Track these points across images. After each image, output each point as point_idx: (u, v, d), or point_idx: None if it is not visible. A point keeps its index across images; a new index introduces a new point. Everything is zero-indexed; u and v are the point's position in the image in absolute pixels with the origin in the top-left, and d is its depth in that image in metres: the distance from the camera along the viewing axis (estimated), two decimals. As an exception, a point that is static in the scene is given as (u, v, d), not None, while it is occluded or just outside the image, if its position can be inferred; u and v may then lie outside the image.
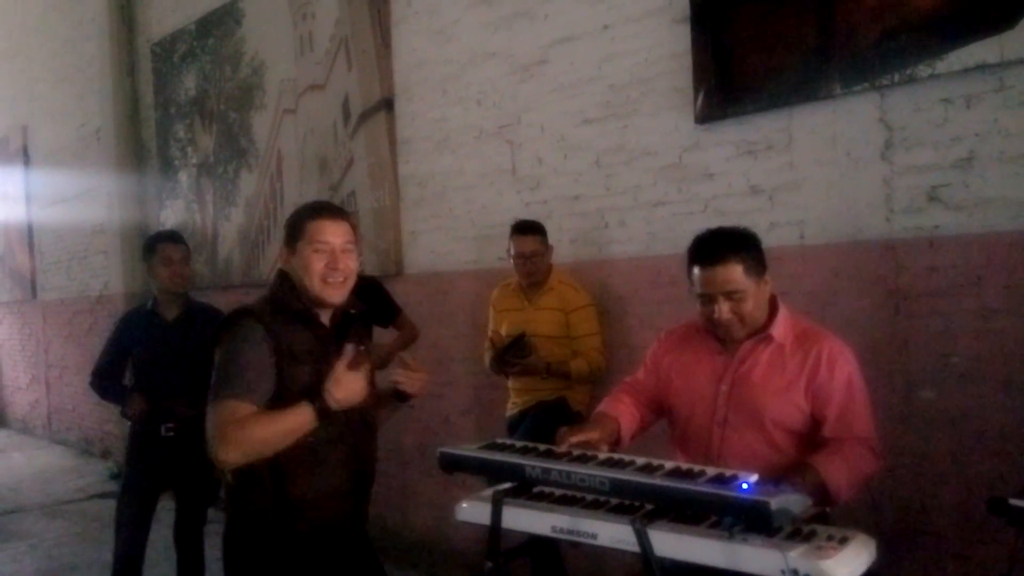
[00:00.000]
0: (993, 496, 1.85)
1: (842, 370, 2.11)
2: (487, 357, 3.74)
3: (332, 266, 2.12)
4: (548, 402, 3.58)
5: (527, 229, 3.59)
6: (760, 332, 2.18)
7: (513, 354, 3.47)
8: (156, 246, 3.67)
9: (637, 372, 2.47)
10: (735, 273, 2.10)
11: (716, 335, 2.23)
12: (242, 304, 2.19)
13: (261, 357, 2.04)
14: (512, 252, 3.60)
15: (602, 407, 2.36)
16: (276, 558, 2.12)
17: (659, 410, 2.40)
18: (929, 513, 2.81)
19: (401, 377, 2.25)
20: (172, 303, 3.67)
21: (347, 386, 2.02)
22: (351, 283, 2.19)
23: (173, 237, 3.81)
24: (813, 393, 2.11)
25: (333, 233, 2.14)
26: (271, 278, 2.32)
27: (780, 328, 2.17)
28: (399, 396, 2.32)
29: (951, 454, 2.75)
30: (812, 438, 2.14)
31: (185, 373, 3.44)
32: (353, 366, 2.03)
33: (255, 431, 1.95)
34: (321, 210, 2.20)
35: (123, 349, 3.73)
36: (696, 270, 2.15)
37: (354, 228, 2.25)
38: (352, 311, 2.27)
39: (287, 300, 2.16)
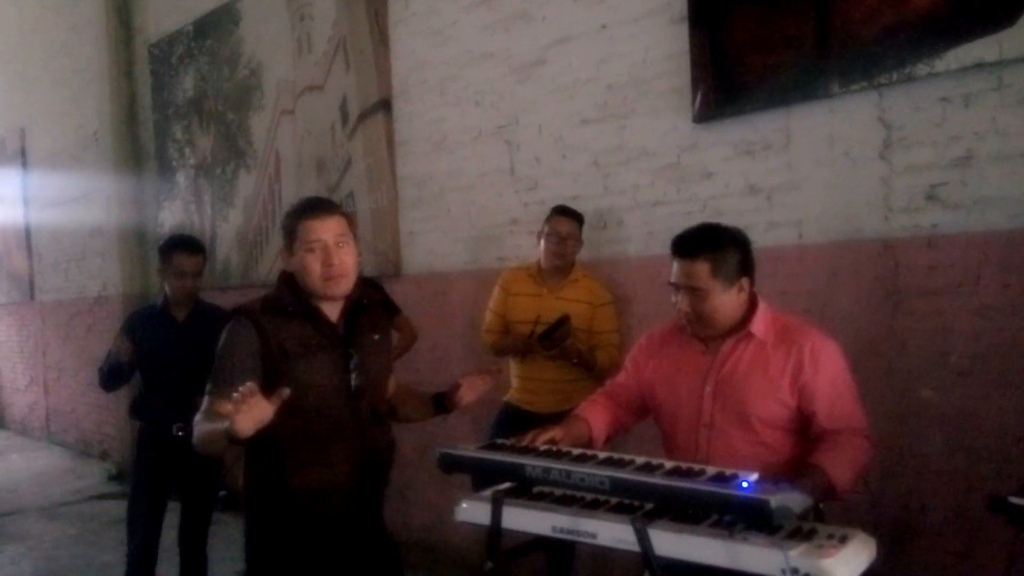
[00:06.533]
0: (993, 494, 1.86)
1: (826, 368, 2.11)
2: (488, 339, 3.71)
3: (328, 262, 2.14)
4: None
5: (569, 212, 3.59)
6: (740, 330, 2.19)
7: (558, 335, 3.38)
8: (171, 256, 3.56)
9: (618, 376, 2.49)
10: (700, 270, 2.11)
11: (692, 332, 2.24)
12: (238, 303, 2.25)
13: (244, 355, 2.12)
14: (546, 231, 3.57)
15: (576, 410, 2.38)
16: (285, 549, 2.17)
17: (638, 411, 2.41)
18: (929, 512, 2.81)
19: (466, 381, 2.35)
20: (182, 304, 3.65)
21: (239, 417, 1.82)
22: (352, 275, 2.21)
23: (188, 246, 3.63)
24: (799, 391, 2.11)
25: (324, 229, 2.16)
26: (273, 278, 2.36)
27: (760, 324, 2.18)
28: (439, 403, 2.40)
29: (950, 452, 2.75)
30: (801, 432, 2.14)
31: (196, 373, 3.41)
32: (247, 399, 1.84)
33: (197, 430, 2.11)
34: (309, 208, 2.21)
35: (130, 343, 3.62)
36: (673, 260, 2.19)
37: (349, 220, 2.26)
38: (364, 301, 2.30)
39: (283, 299, 2.20)
